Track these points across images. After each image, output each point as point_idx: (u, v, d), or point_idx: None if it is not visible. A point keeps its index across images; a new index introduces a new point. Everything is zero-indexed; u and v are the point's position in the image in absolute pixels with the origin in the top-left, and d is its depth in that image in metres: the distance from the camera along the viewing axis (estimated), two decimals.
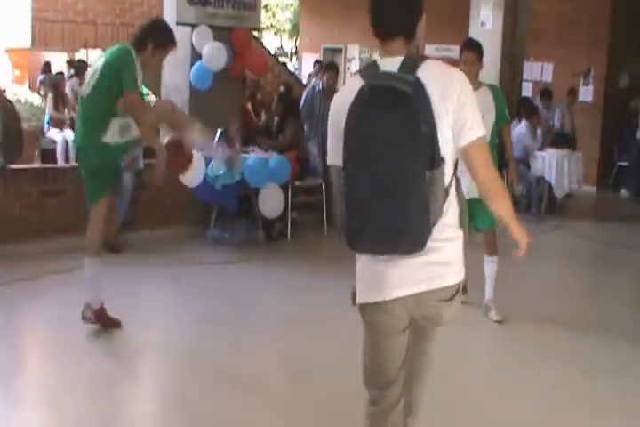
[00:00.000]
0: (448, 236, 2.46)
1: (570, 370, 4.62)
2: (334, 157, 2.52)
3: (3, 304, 5.42)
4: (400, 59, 2.42)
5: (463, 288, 2.55)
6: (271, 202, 7.46)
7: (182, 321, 5.34)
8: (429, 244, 2.38)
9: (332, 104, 2.57)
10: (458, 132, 2.40)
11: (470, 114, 2.41)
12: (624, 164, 12.18)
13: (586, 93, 12.49)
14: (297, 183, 7.97)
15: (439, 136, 2.34)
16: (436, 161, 2.33)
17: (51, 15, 12.82)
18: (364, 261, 2.56)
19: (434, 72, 2.40)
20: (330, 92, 8.73)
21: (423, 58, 2.46)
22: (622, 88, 12.67)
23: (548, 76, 12.65)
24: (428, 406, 2.89)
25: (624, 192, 12.06)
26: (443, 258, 2.46)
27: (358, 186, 2.39)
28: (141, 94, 4.69)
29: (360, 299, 2.59)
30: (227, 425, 3.83)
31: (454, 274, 2.50)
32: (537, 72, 12.68)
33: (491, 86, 5.46)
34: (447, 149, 2.39)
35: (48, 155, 9.90)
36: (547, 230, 8.80)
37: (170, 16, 7.88)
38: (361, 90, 2.38)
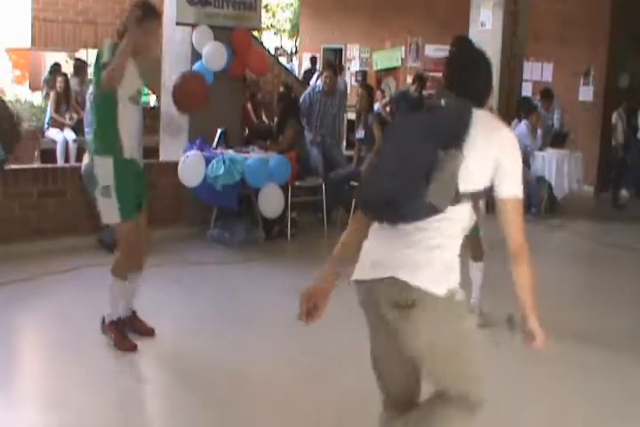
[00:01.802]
0: (441, 240, 2.45)
1: (568, 371, 4.62)
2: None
3: (3, 304, 5.42)
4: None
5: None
6: (271, 202, 7.45)
7: (182, 321, 5.34)
8: (422, 224, 2.42)
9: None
10: (497, 181, 2.49)
11: (513, 172, 2.50)
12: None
13: (586, 93, 12.49)
14: (297, 183, 7.97)
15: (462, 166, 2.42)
16: (452, 144, 2.41)
17: (51, 15, 12.83)
18: (366, 244, 2.60)
19: (485, 120, 2.53)
20: (328, 92, 8.73)
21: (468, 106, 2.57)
22: (622, 88, 12.67)
23: (548, 76, 12.64)
24: None
25: (624, 192, 12.05)
26: (424, 254, 2.44)
27: (380, 161, 2.59)
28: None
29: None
30: (227, 425, 3.83)
31: (422, 279, 2.41)
32: (537, 72, 12.67)
33: None
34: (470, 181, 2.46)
35: (48, 155, 9.90)
36: (547, 230, 8.80)
37: (170, 16, 7.89)
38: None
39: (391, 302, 2.43)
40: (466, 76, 2.62)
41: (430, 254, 2.43)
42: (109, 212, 4.53)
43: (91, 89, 4.72)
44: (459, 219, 2.47)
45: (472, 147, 2.42)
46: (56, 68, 12.53)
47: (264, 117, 10.88)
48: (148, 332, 4.86)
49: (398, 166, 2.44)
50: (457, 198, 2.40)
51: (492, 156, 2.46)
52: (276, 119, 8.52)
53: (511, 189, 2.48)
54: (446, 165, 2.36)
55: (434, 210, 2.38)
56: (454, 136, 2.40)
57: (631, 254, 7.92)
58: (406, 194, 2.38)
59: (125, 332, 4.71)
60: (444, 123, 2.47)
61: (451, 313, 2.46)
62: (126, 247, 4.60)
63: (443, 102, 2.57)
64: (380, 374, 2.68)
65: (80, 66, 11.90)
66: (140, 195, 4.69)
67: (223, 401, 4.07)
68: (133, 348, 4.63)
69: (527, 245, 2.53)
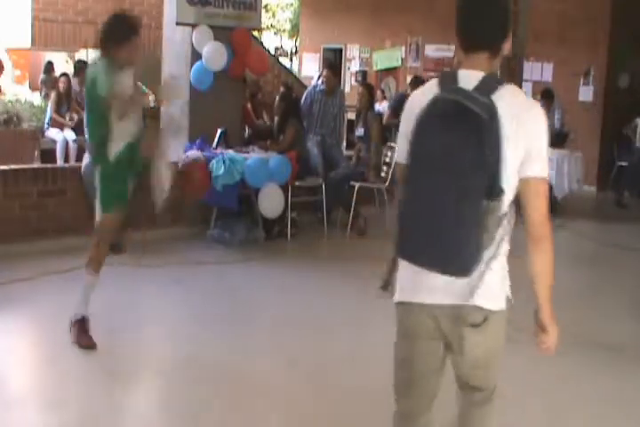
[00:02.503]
0: (495, 264, 2.40)
1: (568, 370, 4.63)
2: (400, 154, 2.52)
3: (3, 304, 5.42)
4: (480, 75, 2.36)
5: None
6: (271, 202, 7.45)
7: (182, 321, 5.34)
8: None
9: (407, 103, 2.53)
10: (522, 164, 2.34)
11: (539, 151, 2.35)
12: (624, 164, 12.17)
13: (586, 93, 12.49)
14: (297, 183, 7.97)
15: (503, 167, 2.29)
16: (495, 191, 2.28)
17: (51, 15, 12.83)
18: (406, 262, 2.49)
19: (511, 101, 2.35)
20: (329, 91, 8.73)
21: (503, 81, 2.40)
22: (622, 88, 12.67)
23: (548, 76, 12.64)
24: None
25: (626, 193, 12.04)
26: (481, 279, 2.38)
27: (415, 195, 2.36)
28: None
29: (395, 297, 2.55)
30: (227, 425, 3.83)
31: (488, 299, 2.40)
32: (537, 72, 12.67)
33: None
34: (509, 181, 2.33)
35: (48, 155, 9.90)
36: None
37: (170, 16, 7.89)
38: (434, 101, 2.33)
39: (462, 322, 2.42)
40: (479, 15, 2.39)
41: (488, 271, 2.38)
42: (98, 209, 4.72)
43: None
44: (505, 222, 2.39)
45: (505, 145, 2.28)
46: (50, 67, 12.55)
47: (265, 117, 10.86)
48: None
49: (437, 219, 2.29)
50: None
51: (522, 146, 2.32)
52: (276, 119, 8.51)
53: (540, 168, 2.34)
54: (492, 209, 2.28)
55: (480, 257, 2.32)
56: (492, 173, 2.25)
57: (632, 254, 7.92)
58: (454, 251, 2.30)
59: (88, 329, 4.69)
60: (474, 158, 2.23)
61: (505, 318, 2.50)
62: (106, 240, 4.76)
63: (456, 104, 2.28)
64: (411, 383, 2.59)
65: (80, 67, 11.89)
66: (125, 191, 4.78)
67: (223, 401, 4.07)
68: (93, 345, 4.61)
69: (550, 228, 2.39)
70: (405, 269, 2.49)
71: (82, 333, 4.64)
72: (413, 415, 2.64)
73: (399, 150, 2.54)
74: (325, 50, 16.09)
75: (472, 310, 2.40)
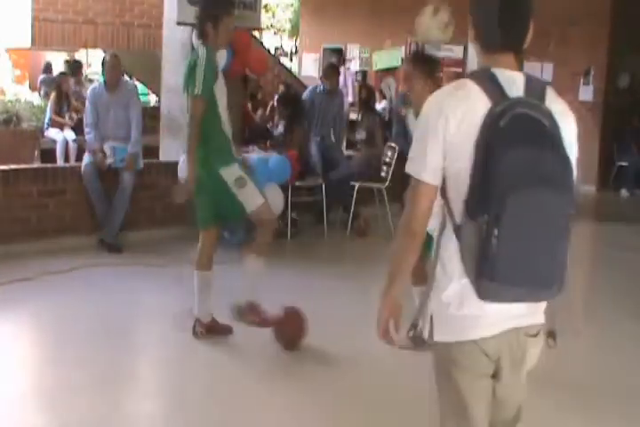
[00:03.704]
0: None
1: (568, 370, 4.63)
2: (429, 173, 2.17)
3: (3, 304, 5.42)
4: (521, 77, 2.18)
5: (550, 334, 2.29)
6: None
7: (181, 321, 5.33)
8: None
9: (435, 107, 2.19)
10: None
11: (575, 155, 2.29)
12: (624, 164, 12.18)
13: (586, 93, 12.49)
14: (297, 183, 7.97)
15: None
16: (574, 202, 2.14)
17: (51, 15, 12.80)
18: (459, 292, 2.18)
19: (558, 106, 2.21)
20: (330, 91, 8.74)
21: (543, 80, 2.27)
22: (622, 88, 12.67)
23: (548, 76, 12.64)
24: None
25: (624, 192, 12.06)
26: None
27: (516, 217, 2.04)
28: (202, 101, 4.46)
29: (447, 337, 2.22)
30: (227, 425, 3.83)
31: (542, 312, 2.27)
32: (537, 72, 12.68)
33: None
34: None
35: (48, 155, 9.90)
36: None
37: (170, 16, 7.88)
38: (495, 115, 2.09)
39: (529, 334, 2.26)
40: (518, 13, 2.19)
41: None
42: (252, 197, 4.64)
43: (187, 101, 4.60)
44: None
45: (569, 151, 2.20)
46: (48, 67, 12.57)
47: (259, 113, 10.84)
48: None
49: (554, 242, 2.11)
50: None
51: (573, 151, 2.27)
52: (281, 122, 8.47)
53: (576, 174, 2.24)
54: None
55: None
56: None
57: (632, 254, 7.92)
58: (562, 274, 2.13)
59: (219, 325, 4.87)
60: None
61: None
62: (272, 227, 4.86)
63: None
64: (465, 413, 2.27)
65: (76, 66, 11.91)
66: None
67: (223, 401, 4.07)
68: (229, 330, 4.87)
69: None
70: (466, 305, 2.19)
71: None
72: None
73: (428, 168, 2.17)
74: (325, 50, 16.08)
75: (534, 327, 2.26)
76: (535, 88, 2.18)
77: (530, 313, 2.22)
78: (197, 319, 4.79)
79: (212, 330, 4.82)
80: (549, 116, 2.13)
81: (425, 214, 2.19)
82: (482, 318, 2.18)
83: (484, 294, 2.11)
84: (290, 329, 4.70)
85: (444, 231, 2.21)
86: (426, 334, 2.24)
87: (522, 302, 2.17)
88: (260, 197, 4.71)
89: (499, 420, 2.34)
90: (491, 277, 2.06)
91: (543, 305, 2.25)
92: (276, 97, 9.42)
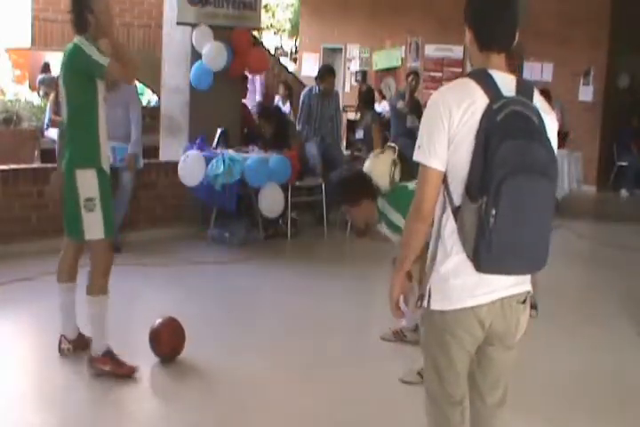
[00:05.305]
0: None
1: (569, 370, 4.63)
2: (437, 160, 2.38)
3: (3, 304, 5.42)
4: (511, 78, 2.42)
5: (532, 305, 2.56)
6: (271, 202, 7.45)
7: (181, 321, 5.33)
8: None
9: (440, 101, 2.38)
10: None
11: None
12: (624, 164, 12.19)
13: (586, 93, 12.50)
14: (297, 183, 7.97)
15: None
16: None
17: (51, 15, 12.81)
18: (456, 265, 2.41)
19: (542, 104, 2.45)
20: (326, 93, 8.78)
21: (531, 83, 2.50)
22: (622, 88, 12.68)
23: (548, 76, 12.65)
24: None
25: (624, 192, 12.07)
26: None
27: (512, 202, 2.29)
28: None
29: (444, 305, 2.43)
30: (227, 425, 3.83)
31: (528, 281, 2.54)
32: (537, 72, 12.68)
33: None
34: None
35: (48, 155, 9.89)
36: None
37: (170, 16, 7.89)
38: (493, 111, 2.32)
39: (519, 302, 2.52)
40: (509, 15, 2.42)
41: None
42: (94, 227, 4.23)
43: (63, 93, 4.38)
44: None
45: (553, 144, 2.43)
46: (47, 67, 12.53)
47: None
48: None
49: (542, 225, 2.40)
50: None
51: (554, 144, 2.45)
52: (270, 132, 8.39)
53: None
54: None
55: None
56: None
57: (632, 254, 7.92)
58: (544, 248, 2.43)
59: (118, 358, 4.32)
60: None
61: None
62: (106, 265, 4.33)
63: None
64: (458, 379, 2.56)
65: None
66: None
67: (223, 401, 4.07)
68: (133, 371, 4.30)
69: None
70: (456, 273, 2.41)
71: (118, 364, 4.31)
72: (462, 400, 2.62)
73: (436, 155, 2.37)
74: (325, 50, 16.08)
75: (522, 294, 2.51)
76: (525, 88, 2.43)
77: (518, 283, 2.46)
78: (62, 335, 4.56)
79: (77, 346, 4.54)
80: (537, 113, 2.38)
81: (433, 199, 2.41)
82: (477, 288, 2.40)
83: (482, 265, 2.34)
84: (167, 341, 4.48)
85: (444, 212, 2.43)
86: (425, 304, 2.46)
87: (515, 274, 2.43)
88: (102, 233, 4.22)
89: (485, 387, 2.59)
90: (488, 250, 2.29)
91: (529, 275, 2.51)
92: (256, 111, 9.35)
